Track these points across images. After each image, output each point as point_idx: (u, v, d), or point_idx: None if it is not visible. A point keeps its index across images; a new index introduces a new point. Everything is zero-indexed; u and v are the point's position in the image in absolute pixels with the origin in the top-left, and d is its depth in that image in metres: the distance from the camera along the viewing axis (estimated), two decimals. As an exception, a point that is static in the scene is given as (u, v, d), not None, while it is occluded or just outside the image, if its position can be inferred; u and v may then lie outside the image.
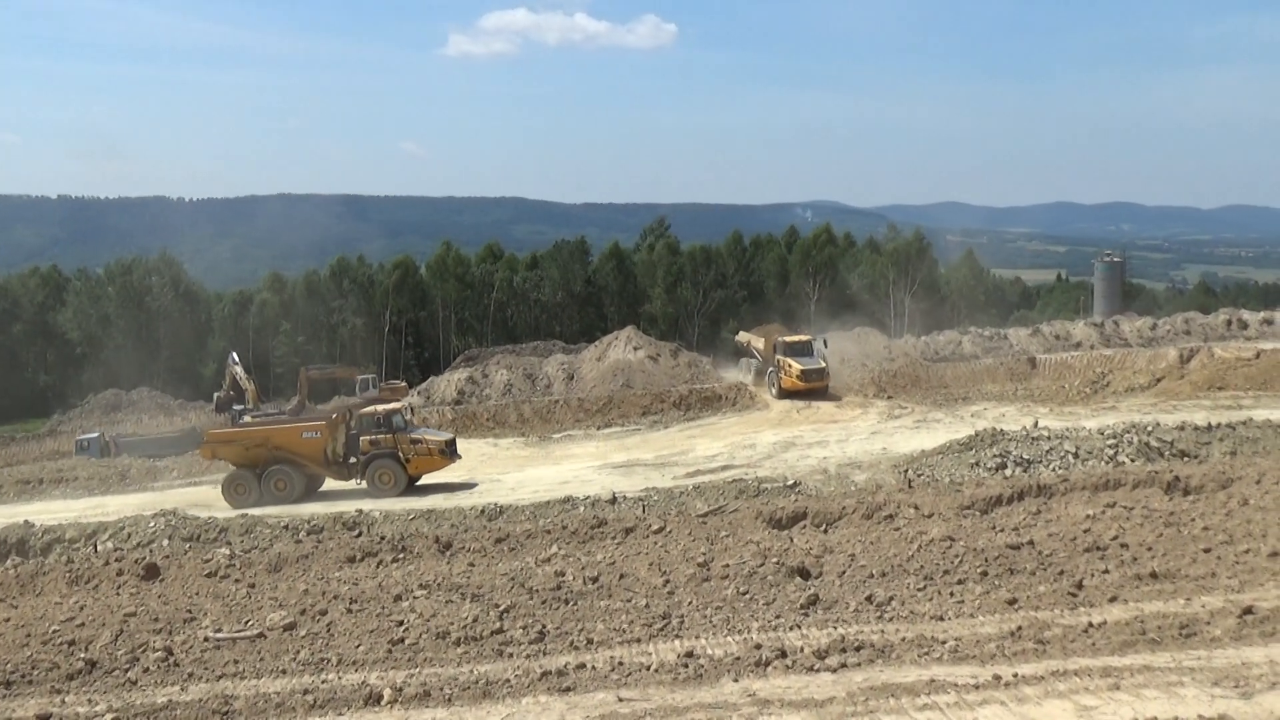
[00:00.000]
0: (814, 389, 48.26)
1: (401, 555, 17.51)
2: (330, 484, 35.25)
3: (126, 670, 11.86)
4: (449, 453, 35.02)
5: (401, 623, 12.81)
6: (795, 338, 52.32)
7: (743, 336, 58.21)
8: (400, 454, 34.17)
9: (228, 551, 19.45)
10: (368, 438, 34.48)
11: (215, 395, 60.67)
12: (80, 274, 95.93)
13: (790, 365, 48.86)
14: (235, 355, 60.42)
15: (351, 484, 34.61)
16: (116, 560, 19.29)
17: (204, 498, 34.63)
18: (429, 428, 39.78)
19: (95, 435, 53.40)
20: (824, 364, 49.01)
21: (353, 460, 34.88)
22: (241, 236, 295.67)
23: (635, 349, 58.84)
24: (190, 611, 14.35)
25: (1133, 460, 25.92)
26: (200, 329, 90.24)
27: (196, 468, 43.83)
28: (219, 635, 12.89)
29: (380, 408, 37.50)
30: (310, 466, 34.41)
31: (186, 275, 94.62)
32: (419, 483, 34.42)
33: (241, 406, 56.18)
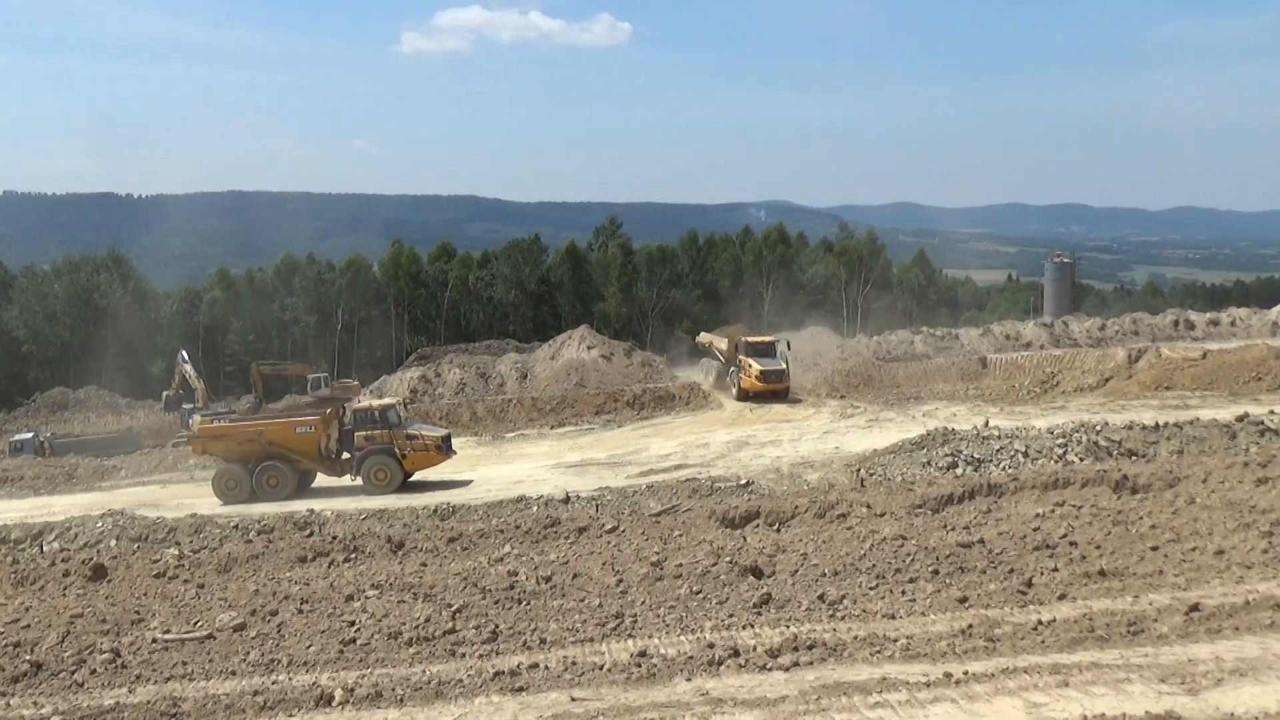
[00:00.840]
0: (773, 390, 47.81)
1: (353, 555, 17.40)
2: (321, 480, 34.86)
3: (73, 672, 11.71)
4: (445, 448, 34.72)
5: (353, 623, 12.74)
6: (759, 338, 51.97)
7: (704, 337, 57.68)
8: (396, 450, 33.79)
9: (176, 552, 19.28)
10: (363, 433, 34.10)
11: (164, 394, 60.10)
12: (27, 271, 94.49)
13: (751, 365, 48.42)
14: (185, 354, 59.91)
15: (345, 480, 34.19)
16: (63, 561, 19.07)
17: (153, 498, 34.27)
18: (424, 422, 39.42)
19: (29, 436, 52.54)
20: (784, 366, 48.60)
21: (345, 456, 34.57)
22: (193, 234, 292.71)
23: (589, 348, 58.82)
24: (138, 612, 14.20)
25: (1081, 459, 26.16)
26: (149, 327, 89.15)
27: (145, 467, 43.44)
28: (167, 636, 12.77)
29: (375, 402, 37.33)
30: (304, 462, 33.98)
31: (136, 272, 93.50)
32: (410, 479, 34.06)
33: (191, 405, 55.69)
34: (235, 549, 18.67)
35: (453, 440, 36.21)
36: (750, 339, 51.21)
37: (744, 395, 48.35)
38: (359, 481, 33.77)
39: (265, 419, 37.70)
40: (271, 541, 19.81)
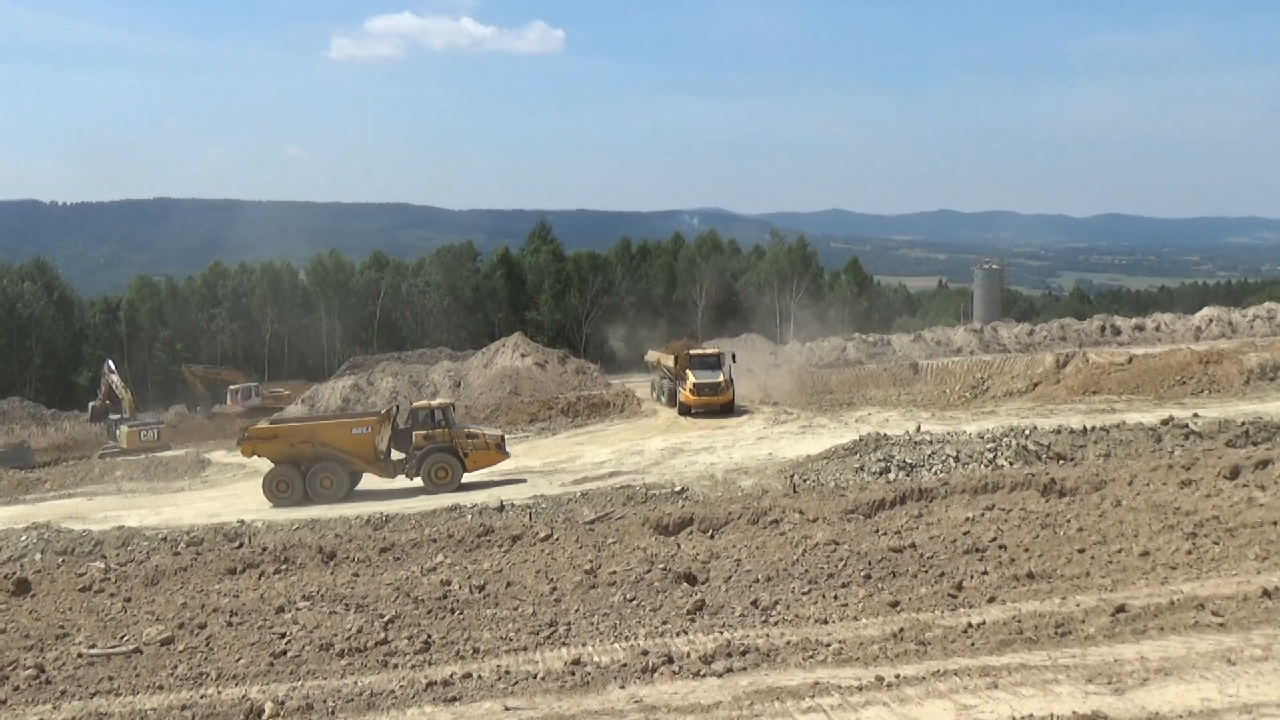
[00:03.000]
0: (709, 404, 46.97)
1: (284, 566, 17.21)
2: (369, 482, 34.60)
3: (-5, 689, 11.49)
4: (502, 447, 34.93)
5: (284, 635, 12.60)
6: (701, 351, 51.25)
7: (651, 356, 56.54)
8: (458, 449, 33.73)
9: (103, 565, 18.92)
10: (421, 432, 33.93)
11: (91, 404, 59.35)
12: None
13: (689, 378, 47.91)
14: (111, 363, 59.19)
15: (399, 481, 34.00)
16: (-15, 575, 18.69)
17: (78, 510, 33.74)
18: (475, 422, 39.24)
19: None
20: (722, 379, 47.56)
21: (395, 457, 34.37)
22: (119, 242, 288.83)
23: (523, 356, 58.82)
24: (63, 627, 13.95)
25: (1011, 463, 26.48)
26: (74, 337, 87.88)
27: (69, 479, 42.75)
28: (93, 651, 12.56)
29: (433, 401, 37.33)
30: (357, 464, 33.69)
31: (60, 281, 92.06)
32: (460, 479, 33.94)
33: (118, 416, 54.98)
34: (163, 561, 18.38)
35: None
36: (694, 351, 50.73)
37: (684, 409, 47.65)
38: (415, 482, 33.64)
39: (319, 419, 37.44)
40: (200, 554, 19.51)
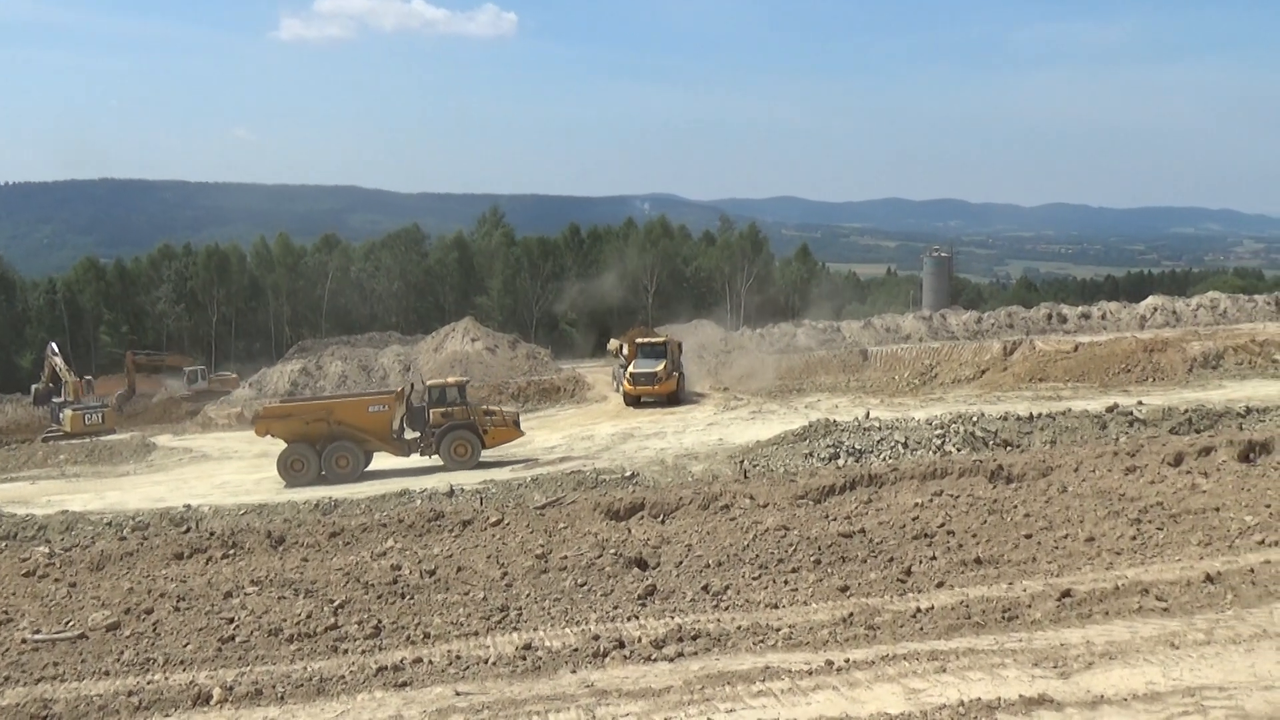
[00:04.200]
0: (646, 395, 46.47)
1: (232, 551, 17.07)
2: (382, 461, 34.57)
3: (-63, 675, 11.33)
4: (519, 425, 35.45)
5: (232, 620, 12.51)
6: (647, 339, 50.55)
7: (613, 344, 56.08)
8: (477, 425, 33.88)
9: (47, 550, 18.69)
10: (439, 410, 34.03)
11: (34, 387, 58.61)
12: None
13: (629, 368, 47.58)
14: (54, 346, 58.47)
15: (413, 459, 34.16)
16: (-75, 560, 18.42)
17: (21, 494, 33.33)
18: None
19: None
20: (661, 369, 46.61)
21: (409, 435, 34.46)
22: (62, 223, 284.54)
23: (473, 340, 58.67)
24: (6, 613, 13.77)
25: (959, 449, 26.68)
26: (16, 319, 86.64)
27: (11, 463, 42.25)
28: (37, 637, 12.42)
29: (449, 379, 37.50)
30: (373, 442, 33.72)
31: (2, 261, 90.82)
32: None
33: (61, 399, 54.33)
34: (108, 546, 18.17)
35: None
36: (640, 339, 50.22)
37: (627, 399, 47.17)
38: (431, 459, 33.79)
39: (334, 397, 37.13)
40: (146, 538, 19.30)
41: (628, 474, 27.63)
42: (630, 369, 47.25)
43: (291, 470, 32.82)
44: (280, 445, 33.66)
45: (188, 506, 27.04)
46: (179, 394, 61.74)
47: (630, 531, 16.40)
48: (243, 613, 12.78)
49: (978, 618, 10.96)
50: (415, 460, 34.25)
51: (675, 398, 46.75)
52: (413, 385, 36.11)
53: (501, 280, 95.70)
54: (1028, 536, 14.24)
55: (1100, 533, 14.12)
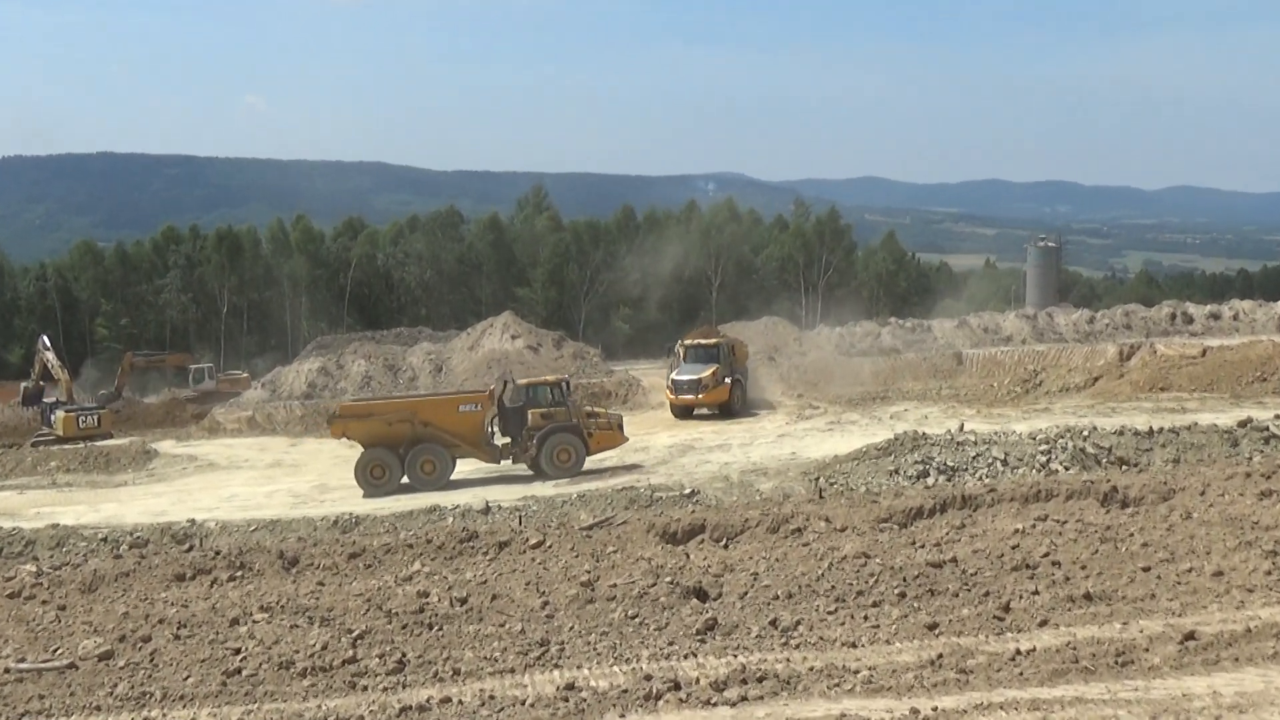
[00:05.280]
0: (688, 405, 45.72)
1: (239, 573, 17.23)
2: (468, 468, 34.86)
3: (-88, 707, 11.52)
4: (623, 428, 35.57)
5: (238, 651, 12.61)
6: (696, 339, 49.58)
7: (680, 347, 55.65)
8: (581, 428, 34.09)
9: (34, 568, 18.96)
10: (539, 410, 34.19)
11: (23, 385, 59.23)
12: None
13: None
14: (46, 339, 59.02)
15: (504, 466, 34.41)
16: (-100, 578, 18.72)
17: (7, 505, 33.78)
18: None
19: None
20: (705, 374, 45.43)
21: (500, 440, 34.70)
22: (57, 201, 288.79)
23: (513, 337, 58.77)
24: (-12, 638, 13.98)
25: (1067, 468, 26.42)
26: (4, 308, 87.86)
27: (-2, 471, 42.80)
28: (23, 666, 12.58)
29: (549, 377, 37.69)
30: (462, 446, 33.87)
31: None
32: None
33: (53, 399, 54.92)
34: (102, 565, 18.42)
35: None
36: (688, 341, 49.38)
37: (673, 410, 46.37)
38: (518, 467, 34.08)
39: (420, 396, 37.37)
40: (145, 557, 19.53)
41: (687, 491, 27.59)
42: (673, 375, 46.84)
43: (371, 478, 32.83)
44: (336, 449, 33.78)
45: (191, 522, 27.28)
46: (183, 395, 62.26)
47: (689, 557, 16.38)
48: (250, 643, 12.88)
49: (1087, 662, 10.84)
50: (489, 469, 34.42)
51: (729, 408, 46.05)
52: (505, 384, 36.10)
53: (546, 270, 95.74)
54: (1145, 569, 14.07)
55: (1230, 566, 13.93)
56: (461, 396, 35.71)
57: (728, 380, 46.31)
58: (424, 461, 33.04)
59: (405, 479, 32.88)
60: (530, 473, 33.94)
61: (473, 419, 33.95)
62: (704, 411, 45.94)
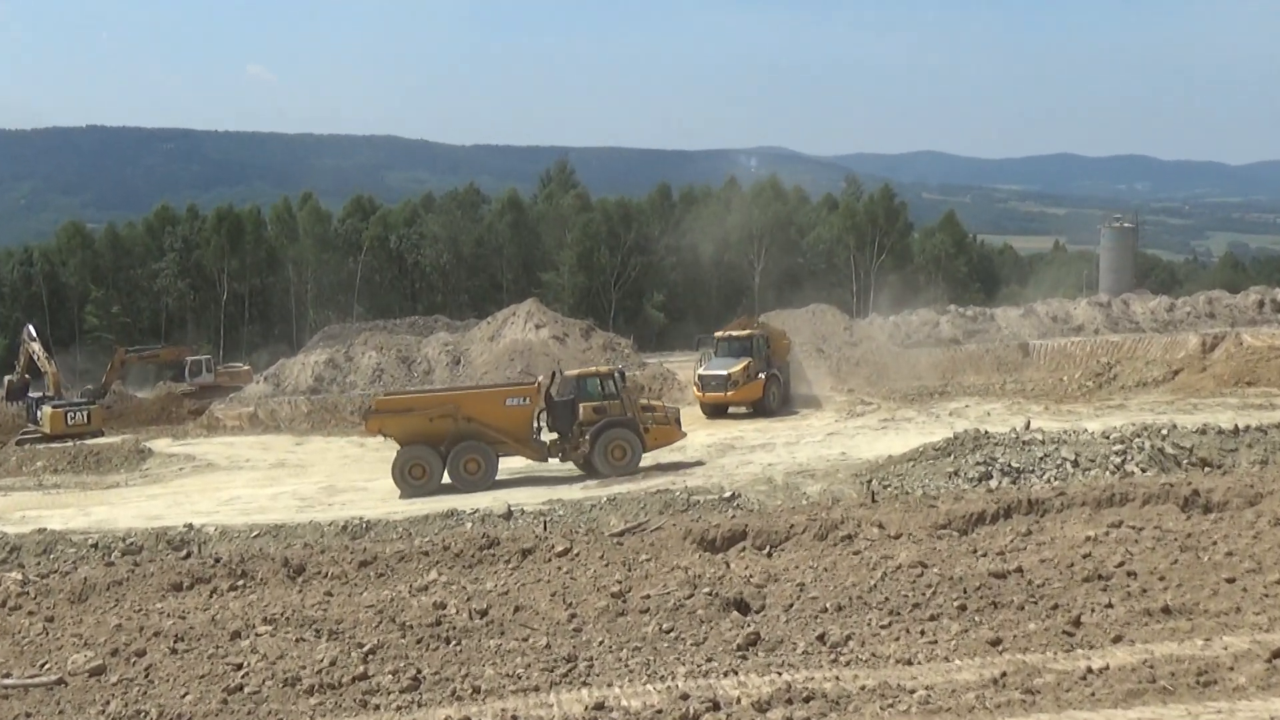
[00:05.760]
0: (716, 402, 45.44)
1: (241, 582, 17.34)
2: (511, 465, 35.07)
3: (-111, 726, 11.64)
4: (679, 423, 35.77)
5: (239, 666, 12.68)
6: (727, 330, 49.49)
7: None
8: (637, 423, 34.17)
9: (19, 576, 19.10)
10: (591, 404, 34.35)
11: (6, 379, 59.54)
12: None
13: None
14: (32, 328, 59.26)
15: (553, 464, 34.66)
16: (-124, 587, 18.90)
17: (-10, 508, 33.98)
18: None
19: None
20: (734, 370, 45.07)
21: (546, 437, 34.95)
22: (42, 179, 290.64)
23: (537, 327, 58.85)
24: (-29, 652, 14.10)
25: (1143, 470, 26.31)
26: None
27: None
28: (8, 682, 12.68)
29: (601, 368, 37.95)
30: (508, 443, 34.02)
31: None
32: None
33: (39, 394, 55.19)
34: (93, 573, 18.53)
35: None
36: (720, 332, 49.35)
37: (702, 408, 45.96)
38: (564, 465, 34.37)
39: (463, 388, 37.72)
40: (139, 564, 19.67)
41: (727, 494, 27.61)
42: (700, 370, 46.73)
43: (410, 478, 32.98)
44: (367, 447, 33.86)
45: (189, 526, 27.42)
46: (179, 389, 62.50)
47: (729, 566, 16.40)
48: (253, 657, 12.95)
49: (1165, 681, 10.79)
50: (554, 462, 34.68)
51: (763, 406, 45.64)
52: (554, 375, 36.12)
53: (574, 253, 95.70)
54: (1230, 581, 14.00)
55: (1323, 577, 13.86)
56: (508, 389, 35.84)
57: (761, 376, 45.93)
58: (468, 460, 33.13)
59: (447, 479, 33.00)
60: (580, 472, 34.08)
61: (521, 413, 34.04)
62: (740, 410, 45.84)
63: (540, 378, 36.23)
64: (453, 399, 34.88)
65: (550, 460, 34.65)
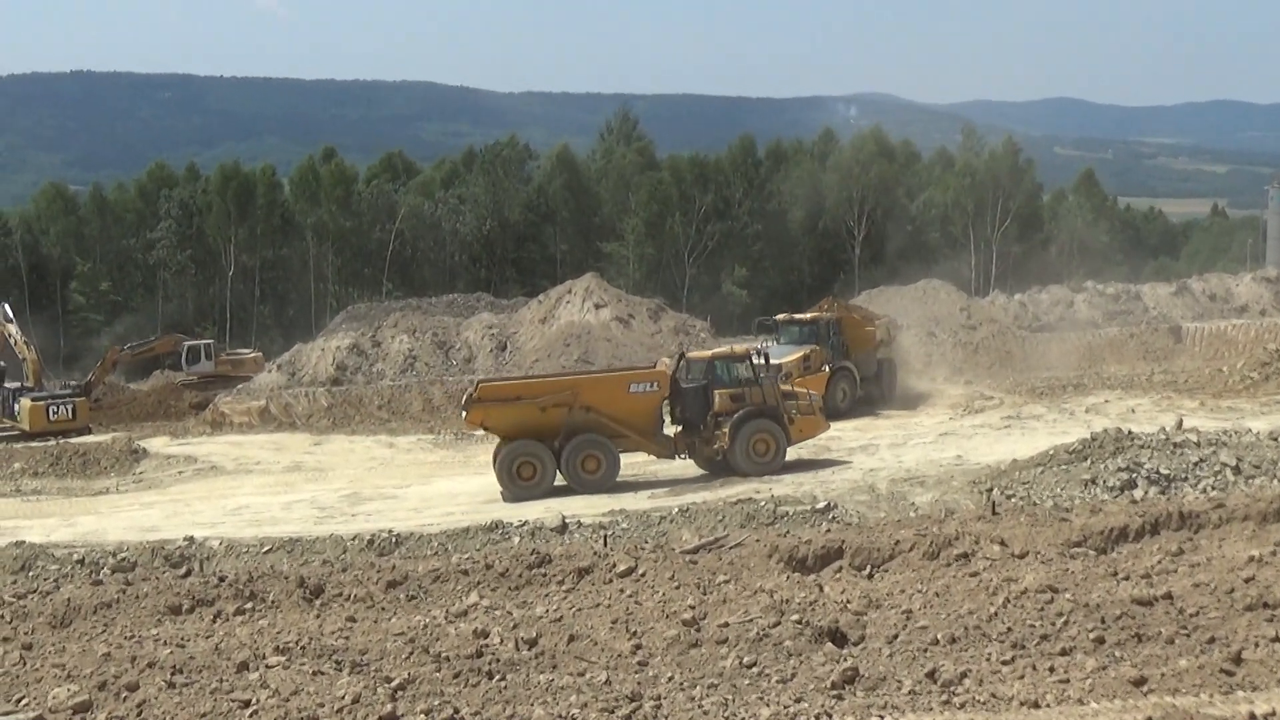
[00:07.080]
0: None
1: (249, 605, 17.47)
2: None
3: None
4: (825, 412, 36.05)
5: (247, 703, 12.77)
6: (790, 314, 49.91)
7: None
8: (780, 413, 34.32)
9: (-6, 597, 19.36)
10: (727, 392, 34.33)
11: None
12: None
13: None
14: (8, 308, 59.69)
15: (678, 461, 34.90)
16: None
17: (-37, 519, 34.36)
18: None
19: None
20: (791, 359, 43.85)
21: (670, 428, 35.16)
22: (19, 134, 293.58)
23: (597, 306, 58.95)
24: (-61, 684, 14.27)
25: (1319, 479, 26.12)
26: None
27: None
28: (-20, 718, 12.82)
29: (738, 348, 37.96)
30: (631, 437, 34.14)
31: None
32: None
33: (16, 385, 55.67)
34: (78, 594, 18.73)
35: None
36: (783, 316, 49.49)
37: None
38: (686, 462, 34.64)
39: (581, 373, 38.74)
40: (131, 583, 19.87)
41: (820, 505, 27.56)
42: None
43: (519, 478, 32.92)
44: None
45: (190, 540, 27.61)
46: (177, 379, 62.91)
47: (822, 589, 16.39)
48: (263, 692, 13.05)
49: (1343, 730, 10.72)
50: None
51: (827, 405, 43.09)
52: (680, 357, 36.11)
53: (640, 220, 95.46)
54: None
55: None
56: (633, 374, 35.93)
57: (826, 369, 45.40)
58: (586, 457, 33.10)
59: (560, 478, 33.10)
60: (704, 472, 34.19)
61: (647, 402, 34.07)
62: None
63: (665, 360, 36.07)
64: (570, 385, 34.76)
65: (677, 457, 34.66)
